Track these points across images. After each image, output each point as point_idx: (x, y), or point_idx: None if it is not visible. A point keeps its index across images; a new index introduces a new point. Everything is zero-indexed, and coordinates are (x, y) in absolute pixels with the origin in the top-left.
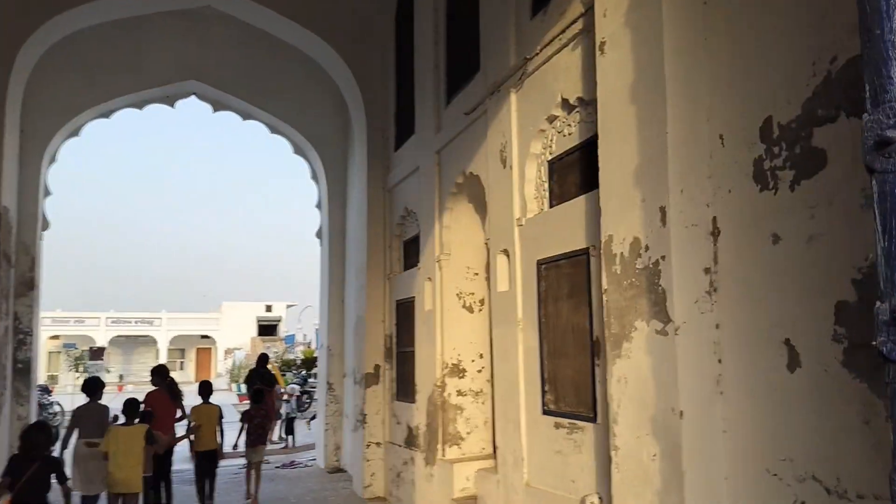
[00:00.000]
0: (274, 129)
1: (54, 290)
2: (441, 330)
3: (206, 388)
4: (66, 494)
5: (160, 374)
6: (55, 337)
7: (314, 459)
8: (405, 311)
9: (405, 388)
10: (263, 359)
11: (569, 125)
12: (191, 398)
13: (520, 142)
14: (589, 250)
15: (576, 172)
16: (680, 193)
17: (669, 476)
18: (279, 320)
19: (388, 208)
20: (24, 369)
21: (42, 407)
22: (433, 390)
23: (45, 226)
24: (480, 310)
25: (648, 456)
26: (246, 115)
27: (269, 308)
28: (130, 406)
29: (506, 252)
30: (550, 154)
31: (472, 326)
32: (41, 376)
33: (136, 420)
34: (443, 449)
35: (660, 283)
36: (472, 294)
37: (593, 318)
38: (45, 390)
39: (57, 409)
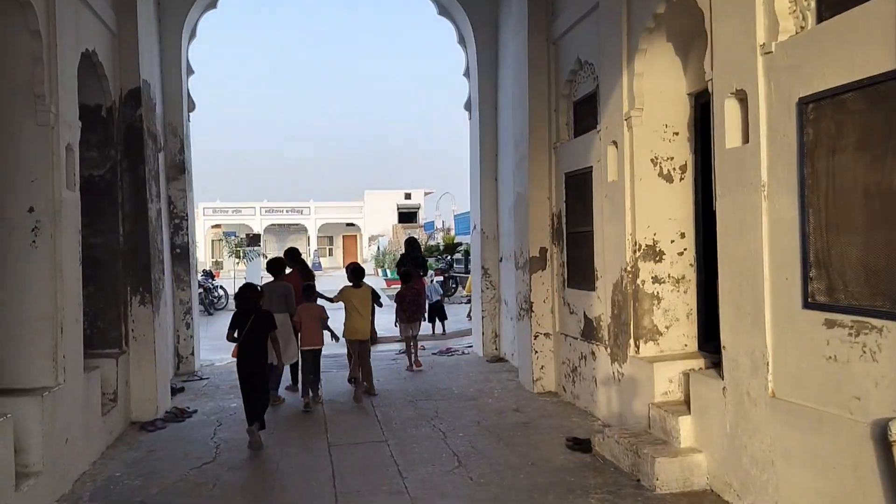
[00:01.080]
0: None
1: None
2: (631, 204)
3: (357, 272)
4: (275, 340)
5: (293, 256)
6: (216, 226)
7: (471, 346)
8: (577, 185)
9: (580, 274)
10: (412, 242)
11: None
12: (340, 283)
13: None
14: None
15: None
16: None
17: None
18: (418, 208)
19: (554, 63)
20: (181, 254)
21: (207, 291)
22: (621, 276)
23: (192, 106)
24: (682, 178)
25: None
26: None
27: (408, 196)
28: (277, 264)
29: (740, 93)
30: None
31: (670, 200)
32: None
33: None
34: (636, 345)
35: None
36: (671, 159)
37: None
38: (210, 275)
39: (220, 293)
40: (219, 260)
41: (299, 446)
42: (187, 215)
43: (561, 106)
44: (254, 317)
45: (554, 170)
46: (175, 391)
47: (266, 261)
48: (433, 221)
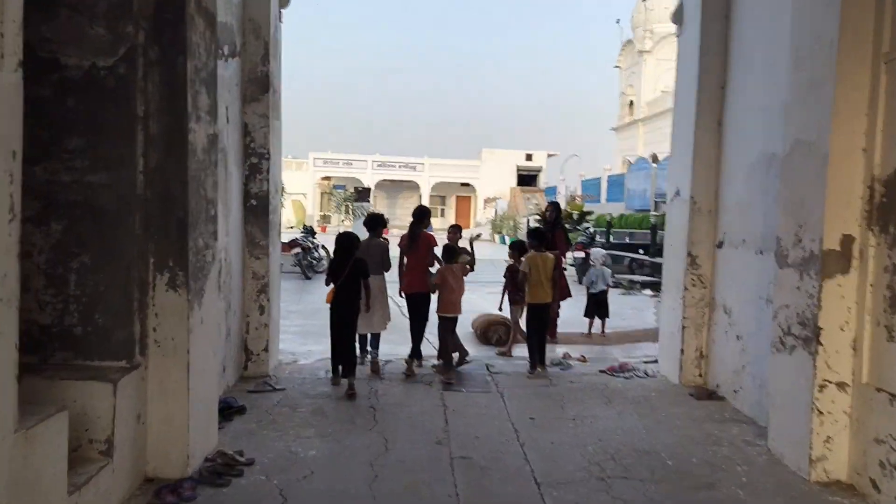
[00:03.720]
0: None
1: (321, 132)
2: None
3: (539, 234)
4: (367, 287)
5: (420, 217)
6: (326, 178)
7: (654, 362)
8: None
9: None
10: (558, 208)
11: None
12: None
13: None
14: None
15: None
16: None
17: None
18: (539, 170)
19: None
20: (258, 208)
21: (306, 251)
22: None
23: (284, 2)
24: None
25: None
26: None
27: (529, 157)
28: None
29: None
30: None
31: None
32: (314, 216)
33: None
34: None
35: None
36: None
37: None
38: (310, 232)
39: (322, 253)
40: (326, 214)
41: None
42: (269, 153)
43: None
44: (351, 263)
45: (883, 101)
46: (230, 411)
47: (366, 217)
48: (556, 186)
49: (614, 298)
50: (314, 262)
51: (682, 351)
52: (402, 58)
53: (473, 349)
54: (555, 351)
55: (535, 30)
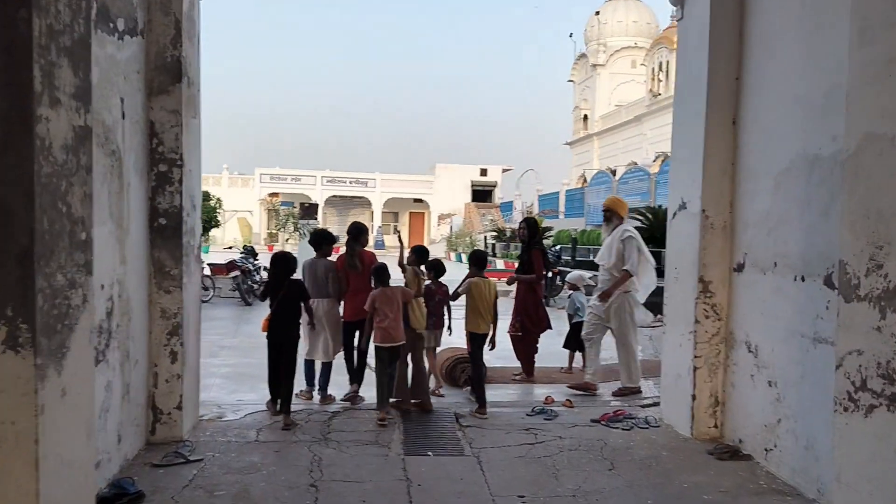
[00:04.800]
0: None
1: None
2: None
3: (479, 259)
4: (308, 310)
5: (356, 234)
6: (274, 195)
7: (652, 405)
8: None
9: None
10: (533, 225)
11: None
12: None
13: None
14: None
15: None
16: None
17: None
18: (494, 185)
19: None
20: (168, 227)
21: (245, 274)
22: None
23: None
24: None
25: None
26: None
27: (483, 172)
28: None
29: None
30: None
31: None
32: (260, 234)
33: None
34: None
35: None
36: None
37: None
38: (251, 252)
39: (265, 276)
40: (274, 232)
41: None
42: (182, 158)
43: None
44: (286, 286)
45: None
46: (123, 502)
47: (311, 233)
48: (511, 202)
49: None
50: (255, 285)
51: (693, 397)
52: (354, 73)
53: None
54: (533, 393)
55: (489, 44)
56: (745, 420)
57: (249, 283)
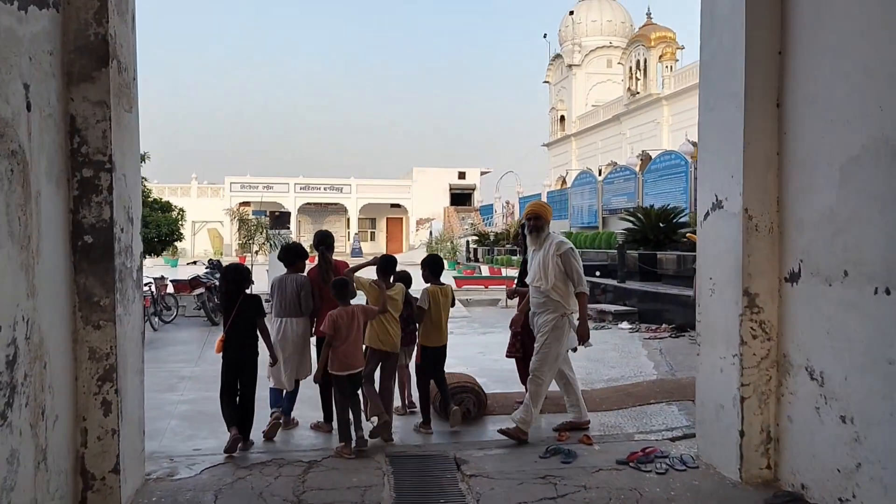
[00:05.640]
0: None
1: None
2: None
3: (435, 265)
4: (263, 329)
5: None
6: (245, 204)
7: (683, 437)
8: None
9: None
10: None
11: None
12: None
13: None
14: None
15: None
16: None
17: None
18: (473, 188)
19: None
20: (96, 247)
21: (211, 291)
22: None
23: None
24: None
25: None
26: None
27: (462, 175)
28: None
29: None
30: None
31: None
32: (231, 246)
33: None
34: None
35: None
36: None
37: None
38: (217, 267)
39: None
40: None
41: None
42: (111, 161)
43: None
44: (240, 301)
45: None
46: None
47: (281, 247)
48: (492, 204)
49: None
50: (219, 306)
51: (741, 433)
52: (326, 78)
53: (433, 427)
54: (541, 426)
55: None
56: (809, 462)
57: (216, 300)
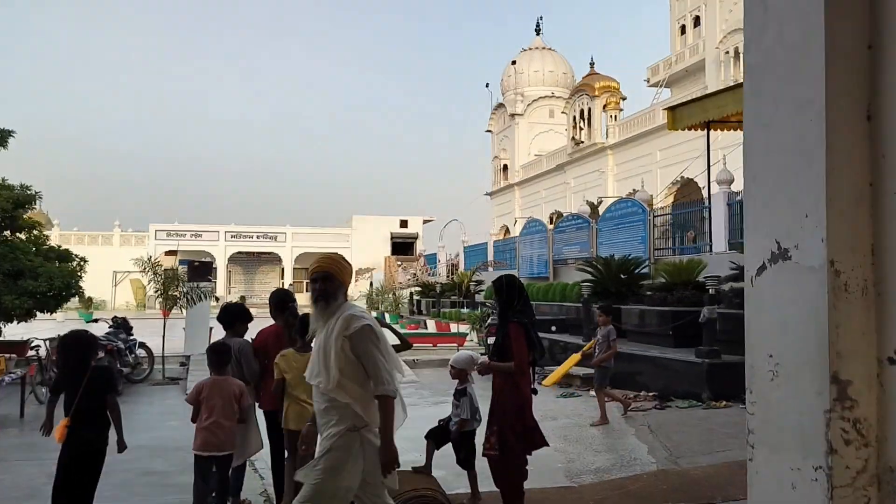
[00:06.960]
0: None
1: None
2: None
3: (301, 320)
4: (114, 407)
5: (280, 303)
6: (172, 252)
7: None
8: None
9: None
10: (512, 284)
11: None
12: None
13: None
14: None
15: None
16: None
17: None
18: (416, 237)
19: None
20: None
21: (112, 355)
22: None
23: None
24: None
25: None
26: None
27: (404, 223)
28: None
29: None
30: None
31: None
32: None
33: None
34: None
35: None
36: None
37: None
38: (123, 325)
39: (141, 354)
40: (171, 294)
41: None
42: None
43: None
44: (87, 376)
45: None
46: None
47: (220, 308)
48: (434, 254)
49: (550, 405)
50: (127, 368)
51: None
52: (260, 120)
53: None
54: None
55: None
56: None
57: (119, 366)
